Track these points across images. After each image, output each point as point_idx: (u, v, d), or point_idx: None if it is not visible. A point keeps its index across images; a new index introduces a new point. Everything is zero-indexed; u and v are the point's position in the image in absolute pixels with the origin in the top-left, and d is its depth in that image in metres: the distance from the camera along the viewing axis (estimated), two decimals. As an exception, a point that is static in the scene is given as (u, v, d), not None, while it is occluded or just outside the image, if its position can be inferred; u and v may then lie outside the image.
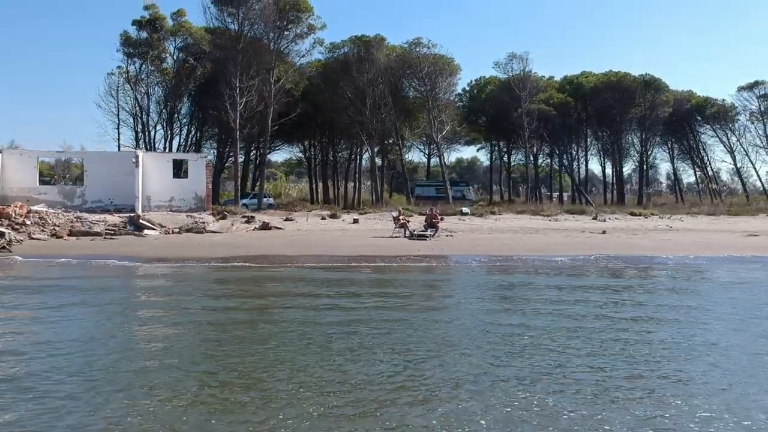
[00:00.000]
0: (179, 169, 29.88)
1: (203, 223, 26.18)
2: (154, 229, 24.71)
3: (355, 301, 11.55)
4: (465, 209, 37.04)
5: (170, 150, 47.46)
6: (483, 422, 5.41)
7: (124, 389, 6.26)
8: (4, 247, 19.92)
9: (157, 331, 9.43)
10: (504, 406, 5.80)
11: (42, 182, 34.34)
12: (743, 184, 59.69)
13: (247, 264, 17.55)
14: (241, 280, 14.84)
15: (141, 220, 24.88)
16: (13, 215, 23.38)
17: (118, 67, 48.56)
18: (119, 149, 49.05)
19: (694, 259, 19.11)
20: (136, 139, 49.20)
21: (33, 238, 22.17)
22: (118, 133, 48.29)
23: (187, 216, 26.98)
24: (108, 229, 24.05)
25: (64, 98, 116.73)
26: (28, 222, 23.27)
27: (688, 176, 71.52)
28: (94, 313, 10.55)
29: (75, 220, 24.59)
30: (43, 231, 23.07)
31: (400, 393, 6.18)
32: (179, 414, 5.59)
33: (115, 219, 25.34)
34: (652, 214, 37.73)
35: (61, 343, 8.14)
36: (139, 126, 48.27)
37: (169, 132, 49.21)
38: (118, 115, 47.76)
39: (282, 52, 37.93)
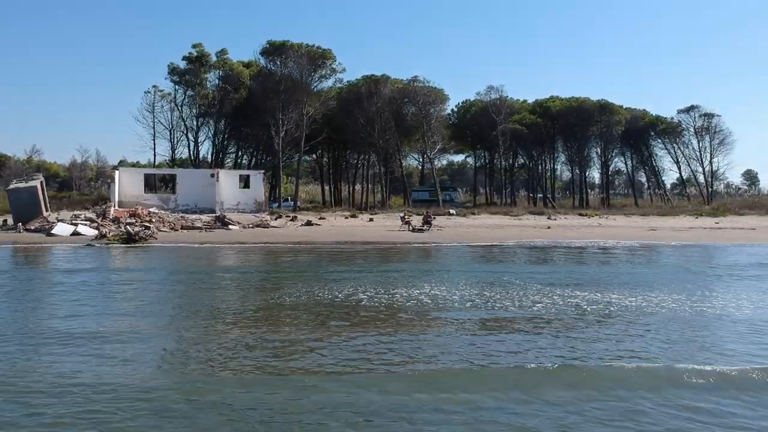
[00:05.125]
0: (243, 182, 40.84)
1: (266, 221, 37.23)
2: (234, 225, 35.65)
3: (384, 257, 22.62)
4: (452, 211, 48.23)
5: (214, 160, 58.49)
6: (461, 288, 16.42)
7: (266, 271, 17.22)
8: (151, 236, 30.80)
9: (287, 258, 20.43)
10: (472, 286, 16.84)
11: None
12: (684, 189, 71.32)
13: (312, 245, 28.58)
14: (317, 252, 25.82)
15: (226, 219, 35.85)
16: (142, 216, 34.34)
17: (154, 86, 59.06)
18: (155, 158, 59.92)
19: (589, 243, 30.32)
20: (173, 150, 59.83)
21: (160, 231, 33.05)
22: (154, 144, 58.60)
23: (253, 216, 38.02)
24: (204, 225, 34.99)
25: (76, 103, 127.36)
26: (153, 220, 34.19)
27: (670, 179, 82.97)
28: (247, 258, 21.59)
29: (180, 218, 35.56)
30: (164, 226, 33.97)
31: (412, 274, 17.17)
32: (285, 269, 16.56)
33: (206, 218, 36.33)
34: (595, 215, 49.07)
35: (246, 267, 19.17)
36: (176, 139, 58.56)
37: (211, 146, 60.34)
38: (153, 128, 58.02)
39: (311, 89, 49.15)
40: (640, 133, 69.13)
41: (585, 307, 12.07)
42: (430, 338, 9.58)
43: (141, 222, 33.41)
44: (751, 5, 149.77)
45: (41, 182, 35.32)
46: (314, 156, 68.95)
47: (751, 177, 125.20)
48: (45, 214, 34.26)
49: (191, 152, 59.65)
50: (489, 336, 9.77)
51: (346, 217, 43.08)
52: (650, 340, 9.50)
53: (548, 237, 33.15)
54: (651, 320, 10.90)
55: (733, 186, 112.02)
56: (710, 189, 67.93)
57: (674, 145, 70.21)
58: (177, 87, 58.38)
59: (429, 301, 12.75)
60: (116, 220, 33.74)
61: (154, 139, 58.08)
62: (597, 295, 13.52)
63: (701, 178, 70.48)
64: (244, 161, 62.98)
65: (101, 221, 33.35)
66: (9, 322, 10.64)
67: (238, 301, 13.23)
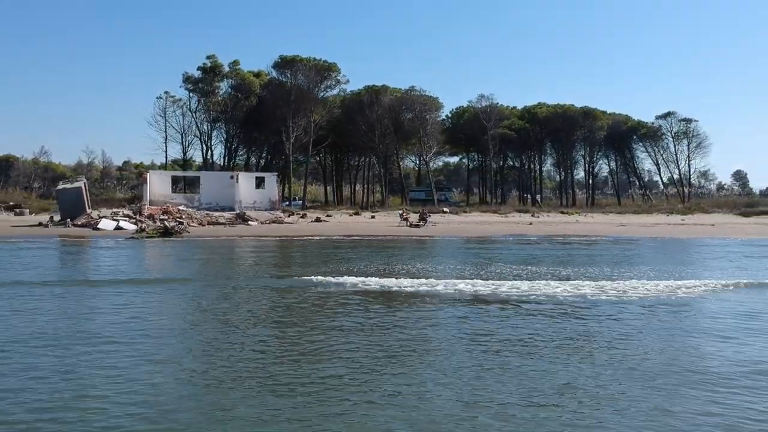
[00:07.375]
0: (259, 183, 45.89)
1: (281, 218, 42.24)
2: (253, 221, 40.62)
3: (385, 246, 27.63)
4: (446, 209, 53.31)
5: (225, 161, 63.57)
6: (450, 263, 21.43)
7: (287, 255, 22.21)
8: (184, 230, 35.71)
9: (305, 247, 25.38)
10: (460, 263, 21.87)
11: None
12: (662, 189, 76.42)
13: (324, 237, 33.56)
14: (329, 243, 30.79)
15: (246, 215, 40.84)
16: (174, 213, 39.34)
17: (165, 92, 63.79)
18: (166, 160, 64.71)
19: (558, 236, 35.35)
20: (184, 152, 64.60)
21: (190, 226, 38.00)
22: (166, 147, 63.29)
23: (269, 213, 43.04)
24: (228, 221, 39.96)
25: (81, 104, 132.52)
26: (183, 216, 39.17)
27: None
28: (269, 246, 26.57)
29: (205, 215, 40.55)
30: (192, 221, 38.92)
31: (417, 256, 22.17)
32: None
33: (228, 215, 41.32)
34: (575, 213, 54.13)
35: (271, 249, 24.18)
36: (187, 142, 63.47)
37: (223, 149, 65.35)
38: (165, 131, 62.65)
39: (317, 98, 54.30)
40: (622, 137, 74.14)
41: (512, 271, 17.13)
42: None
43: (173, 218, 38.41)
44: (747, 4, 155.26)
45: (84, 183, 40.26)
46: (318, 158, 74.00)
47: (740, 177, 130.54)
48: (88, 211, 39.19)
49: (204, 155, 64.75)
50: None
51: (351, 215, 48.07)
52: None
53: (527, 232, 38.21)
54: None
55: (726, 186, 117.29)
56: (686, 189, 73.03)
57: (654, 148, 75.33)
58: (191, 94, 63.40)
59: (415, 271, 17.82)
60: (151, 217, 38.72)
61: (165, 142, 63.02)
62: (532, 267, 18.59)
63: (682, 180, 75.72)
64: (252, 162, 68.01)
65: (138, 217, 38.32)
66: (134, 267, 15.80)
67: (275, 268, 18.25)
